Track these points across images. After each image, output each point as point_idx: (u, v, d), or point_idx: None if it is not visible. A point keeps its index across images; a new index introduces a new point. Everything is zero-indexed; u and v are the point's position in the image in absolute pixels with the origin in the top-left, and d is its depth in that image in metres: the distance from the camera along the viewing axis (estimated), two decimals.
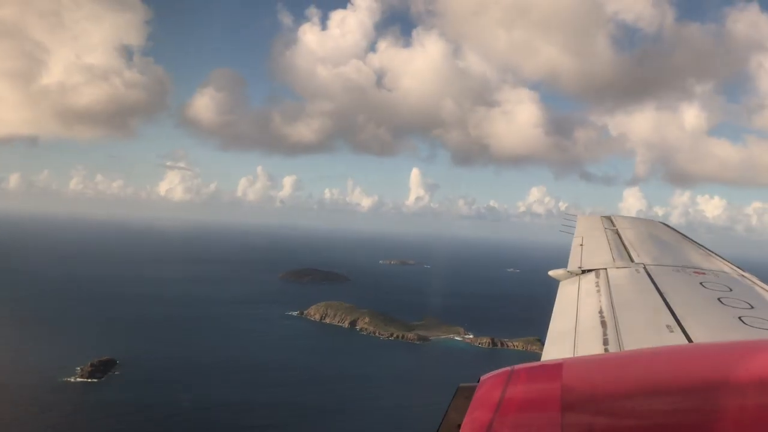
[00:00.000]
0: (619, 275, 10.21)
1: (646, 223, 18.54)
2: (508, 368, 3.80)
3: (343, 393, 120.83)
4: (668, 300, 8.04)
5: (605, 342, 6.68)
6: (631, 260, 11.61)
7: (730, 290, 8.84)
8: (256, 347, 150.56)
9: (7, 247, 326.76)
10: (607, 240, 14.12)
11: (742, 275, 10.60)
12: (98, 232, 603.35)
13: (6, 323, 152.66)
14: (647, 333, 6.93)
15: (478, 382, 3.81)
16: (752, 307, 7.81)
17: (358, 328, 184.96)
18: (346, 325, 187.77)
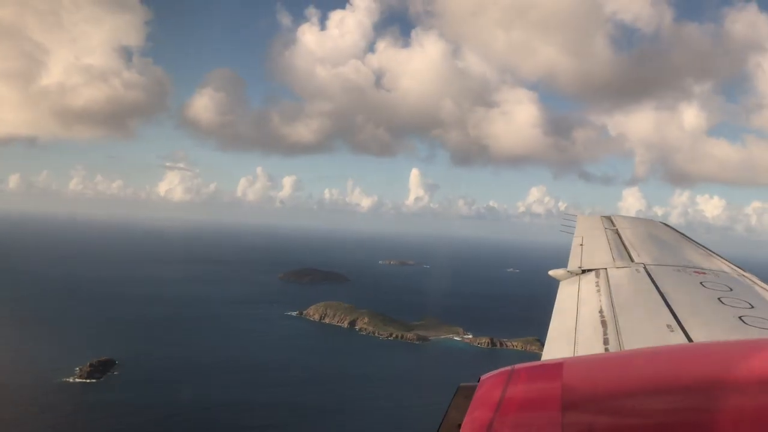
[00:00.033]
0: (619, 275, 10.21)
1: (646, 223, 18.54)
2: (509, 368, 3.81)
3: (343, 393, 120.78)
4: (668, 300, 8.03)
5: (605, 342, 6.68)
6: (632, 260, 11.60)
7: (731, 290, 8.84)
8: (255, 347, 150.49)
9: (7, 248, 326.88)
10: (607, 240, 14.11)
11: (743, 275, 10.60)
12: (98, 232, 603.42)
13: (6, 323, 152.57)
14: (647, 333, 6.92)
15: (479, 381, 3.80)
16: (752, 307, 7.81)
17: (357, 328, 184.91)
18: (345, 325, 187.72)
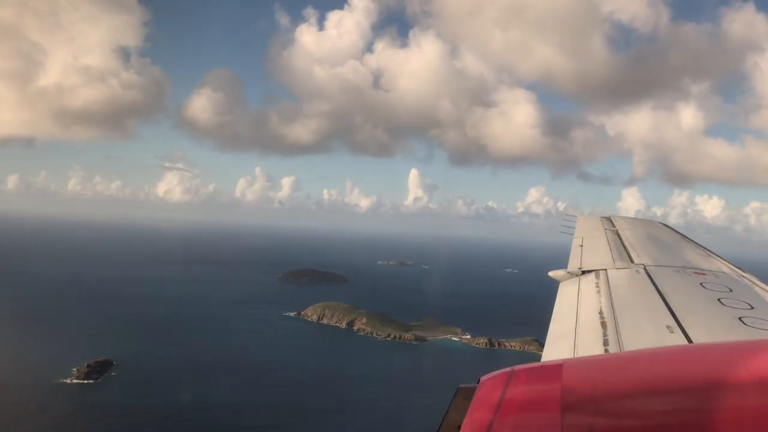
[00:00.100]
0: (619, 276, 10.20)
1: (645, 224, 18.56)
2: (508, 369, 3.79)
3: (341, 393, 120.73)
4: (668, 301, 8.03)
5: (605, 343, 6.67)
6: (631, 261, 11.60)
7: (730, 291, 8.84)
8: (253, 348, 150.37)
9: (6, 248, 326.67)
10: (607, 241, 14.12)
11: (742, 276, 10.60)
12: (97, 233, 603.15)
13: (4, 324, 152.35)
14: (647, 334, 6.91)
15: (478, 382, 3.78)
16: (752, 308, 7.81)
17: (355, 328, 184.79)
18: (343, 325, 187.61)
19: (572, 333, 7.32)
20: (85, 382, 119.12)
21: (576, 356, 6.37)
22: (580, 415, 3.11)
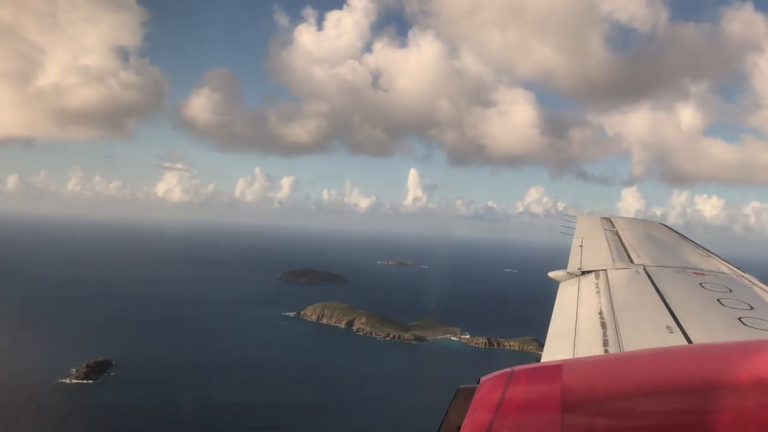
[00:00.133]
0: (618, 276, 10.20)
1: (645, 224, 18.56)
2: (508, 369, 3.79)
3: (341, 393, 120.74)
4: (668, 301, 8.03)
5: (605, 343, 6.67)
6: (631, 261, 11.60)
7: (730, 291, 8.84)
8: (252, 348, 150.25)
9: (5, 249, 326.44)
10: (607, 241, 14.12)
11: (742, 276, 10.60)
12: (96, 233, 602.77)
13: (3, 324, 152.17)
14: (647, 334, 6.91)
15: (478, 383, 3.78)
16: (752, 308, 7.81)
17: (354, 328, 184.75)
18: (342, 325, 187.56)
19: (572, 333, 7.32)
20: (84, 382, 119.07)
21: (576, 357, 6.37)
22: (580, 415, 3.10)
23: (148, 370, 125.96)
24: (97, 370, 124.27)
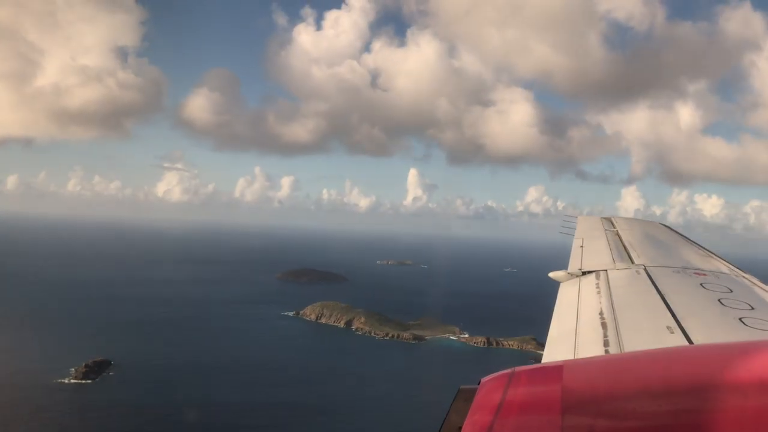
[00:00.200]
0: (619, 276, 10.19)
1: (646, 225, 18.57)
2: (509, 370, 3.76)
3: (340, 392, 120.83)
4: (668, 301, 8.01)
5: (606, 344, 6.65)
6: (632, 261, 11.59)
7: (731, 291, 8.82)
8: (251, 347, 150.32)
9: (5, 249, 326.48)
10: (607, 241, 14.11)
11: (743, 276, 10.59)
12: (96, 233, 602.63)
13: (2, 324, 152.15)
14: (648, 334, 6.90)
15: (479, 384, 3.76)
16: (753, 309, 7.79)
17: (353, 328, 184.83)
18: (341, 325, 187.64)
19: (573, 334, 7.31)
20: (83, 381, 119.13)
21: (576, 357, 6.35)
22: (580, 416, 3.09)
23: (147, 369, 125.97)
24: (95, 369, 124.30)
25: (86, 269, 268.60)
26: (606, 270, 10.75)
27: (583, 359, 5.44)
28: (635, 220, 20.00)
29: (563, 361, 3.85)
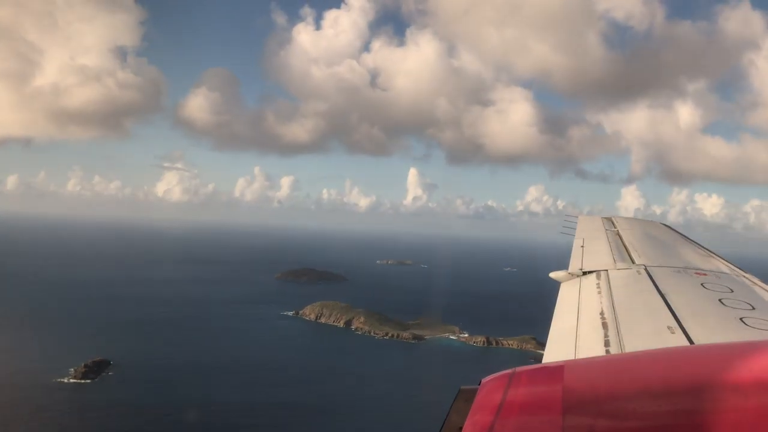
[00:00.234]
0: (620, 276, 10.18)
1: (646, 224, 18.57)
2: (509, 370, 3.75)
3: (340, 392, 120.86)
4: (669, 301, 8.00)
5: (606, 344, 6.64)
6: (632, 261, 11.58)
7: (732, 291, 8.81)
8: (251, 347, 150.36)
9: (5, 249, 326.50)
10: (608, 241, 14.11)
11: (743, 276, 10.58)
12: (96, 233, 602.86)
13: (2, 324, 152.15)
14: (648, 334, 6.88)
15: (479, 384, 3.75)
16: (753, 308, 7.78)
17: (353, 327, 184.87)
18: (341, 324, 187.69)
19: (573, 334, 7.30)
20: (82, 381, 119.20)
21: (577, 357, 6.34)
22: (581, 416, 3.09)
23: (146, 369, 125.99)
24: (95, 369, 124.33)
25: (86, 269, 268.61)
26: (607, 270, 10.74)
27: (584, 359, 5.42)
28: (636, 220, 20.00)
29: (564, 361, 3.84)
